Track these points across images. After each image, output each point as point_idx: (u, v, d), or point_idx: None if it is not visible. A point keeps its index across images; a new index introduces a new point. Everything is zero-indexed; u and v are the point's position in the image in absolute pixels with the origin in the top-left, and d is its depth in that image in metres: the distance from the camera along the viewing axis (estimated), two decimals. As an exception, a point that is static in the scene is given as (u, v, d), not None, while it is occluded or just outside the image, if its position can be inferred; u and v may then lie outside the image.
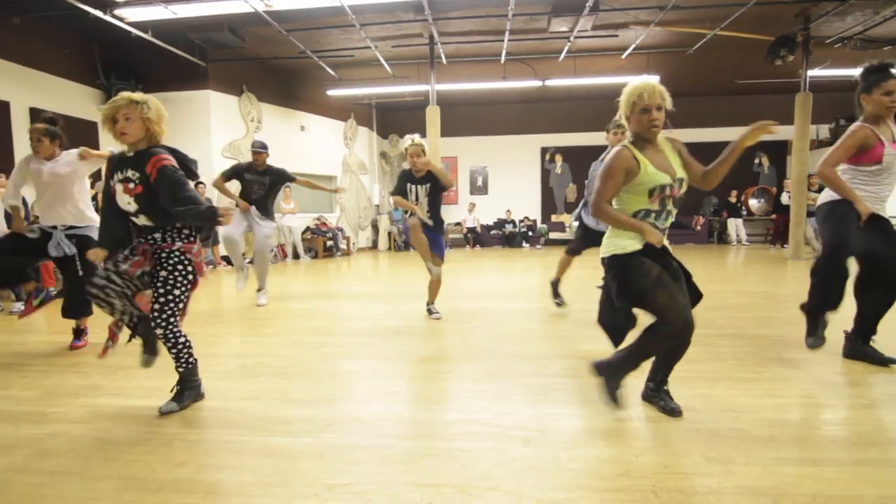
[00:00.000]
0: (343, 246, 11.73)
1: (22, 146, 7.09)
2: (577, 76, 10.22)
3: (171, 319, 2.23)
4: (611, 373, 2.11)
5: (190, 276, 2.28)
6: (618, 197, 2.06)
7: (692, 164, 2.11)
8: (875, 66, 2.65)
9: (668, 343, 2.02)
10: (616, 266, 2.04)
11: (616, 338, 2.17)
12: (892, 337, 2.91)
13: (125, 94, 2.19)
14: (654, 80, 2.05)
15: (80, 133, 8.10)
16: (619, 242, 2.03)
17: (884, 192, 2.71)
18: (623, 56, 9.42)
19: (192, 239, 2.33)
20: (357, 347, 3.46)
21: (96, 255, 2.32)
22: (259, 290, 5.12)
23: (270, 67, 10.22)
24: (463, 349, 3.35)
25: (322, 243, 11.11)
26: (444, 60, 9.55)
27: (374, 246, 13.78)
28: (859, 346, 2.85)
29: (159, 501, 1.59)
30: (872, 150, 2.63)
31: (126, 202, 2.24)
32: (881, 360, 2.74)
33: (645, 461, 1.77)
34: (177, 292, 2.23)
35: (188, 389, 2.36)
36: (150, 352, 2.47)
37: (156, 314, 2.21)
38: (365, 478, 1.69)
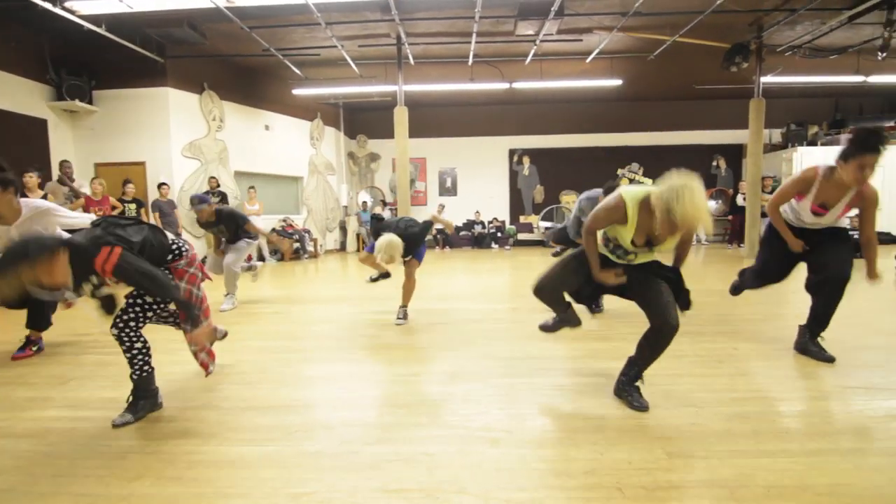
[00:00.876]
0: (310, 248, 11.53)
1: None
2: (544, 79, 10.36)
3: (131, 324, 2.19)
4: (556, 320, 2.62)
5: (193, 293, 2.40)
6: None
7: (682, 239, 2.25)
8: (863, 135, 2.53)
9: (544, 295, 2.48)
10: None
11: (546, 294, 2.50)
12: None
13: None
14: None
15: (28, 131, 7.69)
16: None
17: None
18: (587, 60, 9.61)
19: (176, 257, 2.38)
20: (323, 352, 3.40)
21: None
22: (226, 294, 5.05)
23: (233, 65, 9.95)
24: (431, 351, 3.34)
25: (288, 245, 10.89)
26: (411, 61, 9.51)
27: (343, 248, 13.61)
28: (806, 342, 3.01)
29: (112, 518, 1.51)
30: (801, 197, 2.83)
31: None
32: (823, 358, 2.89)
33: (610, 458, 1.80)
34: (147, 299, 2.22)
35: (144, 399, 2.26)
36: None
37: (119, 314, 2.19)
38: (329, 486, 1.66)
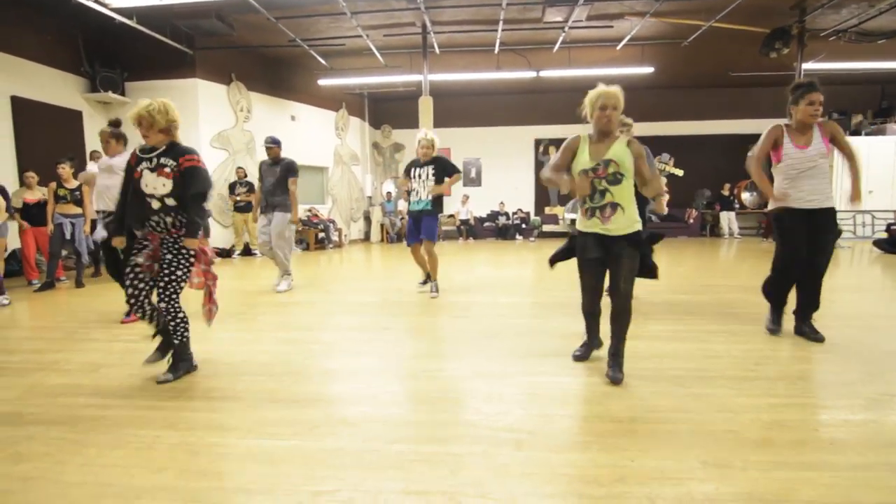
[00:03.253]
0: (335, 238, 11.62)
1: (2, 135, 6.91)
2: (572, 67, 10.12)
3: (174, 296, 2.60)
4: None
5: (192, 260, 2.66)
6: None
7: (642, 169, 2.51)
8: (799, 82, 3.13)
9: (582, 307, 2.77)
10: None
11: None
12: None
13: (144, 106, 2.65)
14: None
15: (64, 122, 7.91)
16: (578, 217, 2.64)
17: (804, 190, 3.10)
18: (618, 47, 9.33)
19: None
20: (346, 344, 3.39)
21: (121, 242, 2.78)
22: (282, 275, 5.48)
23: (260, 56, 10.02)
24: (453, 346, 3.30)
25: (314, 235, 11.00)
26: (436, 50, 9.41)
27: (367, 238, 13.67)
28: (798, 324, 3.30)
29: (136, 511, 1.52)
30: (779, 149, 3.16)
31: (162, 184, 2.58)
32: (816, 339, 3.16)
33: (640, 466, 1.72)
34: (179, 273, 2.60)
35: (182, 361, 2.68)
36: (161, 352, 2.74)
37: (160, 291, 2.57)
38: (351, 485, 1.63)
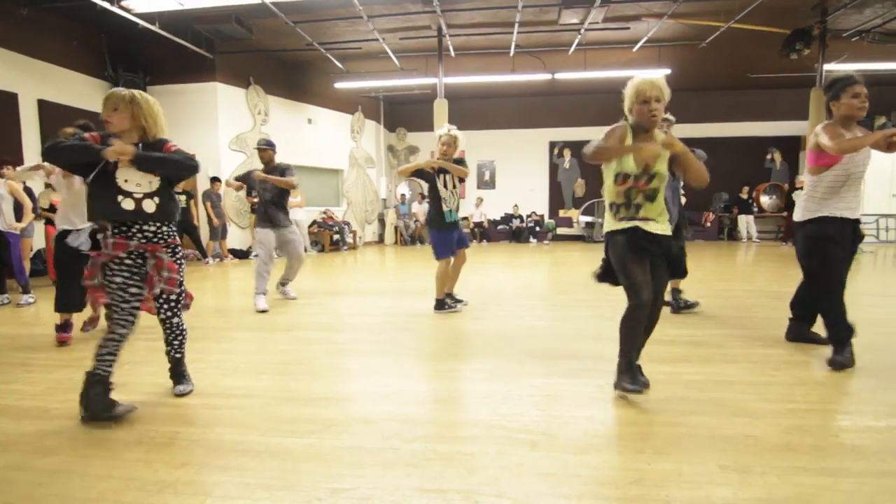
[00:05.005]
0: (349, 240, 11.71)
1: (30, 137, 7.11)
2: (587, 69, 10.08)
3: (180, 300, 2.44)
4: (620, 368, 2.32)
5: (183, 263, 2.46)
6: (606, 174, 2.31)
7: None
8: (839, 76, 2.77)
9: (627, 319, 2.26)
10: (607, 241, 2.36)
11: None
12: None
13: (119, 91, 2.26)
14: (657, 74, 2.26)
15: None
16: (607, 222, 2.37)
17: (849, 198, 2.79)
18: (634, 49, 9.27)
19: (173, 232, 2.47)
20: (361, 345, 3.42)
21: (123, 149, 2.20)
22: (284, 283, 5.17)
23: (278, 60, 10.16)
24: (469, 348, 3.31)
25: (328, 237, 11.09)
26: (452, 53, 9.45)
27: (381, 240, 13.75)
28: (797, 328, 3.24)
29: (160, 503, 1.56)
30: (823, 153, 2.74)
31: (148, 181, 2.25)
32: (822, 341, 3.04)
33: (658, 468, 1.71)
34: (182, 280, 2.42)
35: (186, 370, 2.57)
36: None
37: (172, 306, 2.40)
38: (369, 482, 1.65)
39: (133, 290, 2.26)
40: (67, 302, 3.45)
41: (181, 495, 1.60)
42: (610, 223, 2.33)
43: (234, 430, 2.07)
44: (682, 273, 3.07)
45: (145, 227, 2.25)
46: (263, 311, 4.45)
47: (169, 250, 2.33)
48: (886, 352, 3.03)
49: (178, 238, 2.42)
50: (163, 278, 2.28)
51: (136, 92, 2.29)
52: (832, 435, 1.99)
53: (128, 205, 2.20)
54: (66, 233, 3.44)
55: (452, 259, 4.28)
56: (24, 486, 1.67)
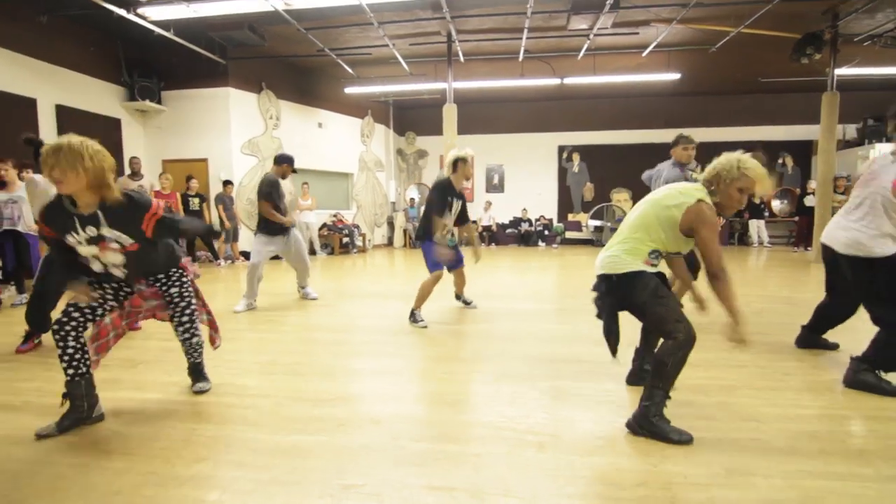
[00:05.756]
0: (359, 243, 11.79)
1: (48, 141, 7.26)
2: (596, 74, 10.10)
3: (196, 323, 2.50)
4: (652, 414, 1.98)
5: (190, 286, 2.47)
6: (659, 233, 2.06)
7: None
8: None
9: (683, 355, 1.98)
10: (622, 281, 2.09)
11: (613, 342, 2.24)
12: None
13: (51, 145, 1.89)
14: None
15: (104, 129, 8.27)
16: (634, 260, 2.10)
17: None
18: (643, 54, 9.27)
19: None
20: (371, 346, 3.47)
21: (84, 293, 2.14)
22: (304, 286, 5.34)
23: (289, 65, 10.29)
24: (477, 350, 3.34)
25: (338, 240, 11.18)
26: (461, 58, 9.51)
27: (390, 243, 13.82)
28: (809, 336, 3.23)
29: (179, 496, 1.61)
30: None
31: (111, 257, 2.11)
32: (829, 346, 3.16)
33: (663, 470, 1.74)
34: (192, 300, 2.47)
35: (201, 370, 2.63)
36: (60, 425, 2.11)
37: (187, 328, 2.45)
38: (378, 479, 1.70)
39: (110, 303, 2.28)
40: (40, 320, 3.30)
41: (199, 489, 1.65)
42: (639, 264, 2.07)
43: (247, 427, 2.12)
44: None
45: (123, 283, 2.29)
46: (238, 312, 4.64)
47: (151, 280, 2.33)
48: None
49: (180, 263, 2.43)
50: (146, 309, 2.38)
51: (86, 143, 1.91)
52: (840, 440, 2.00)
53: (97, 266, 2.15)
54: None
55: (442, 274, 4.12)
56: (48, 478, 1.73)
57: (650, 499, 1.57)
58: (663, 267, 2.19)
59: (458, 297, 4.71)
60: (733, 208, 2.01)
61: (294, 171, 5.02)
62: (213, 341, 2.66)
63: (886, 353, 2.49)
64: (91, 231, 2.01)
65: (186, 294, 2.43)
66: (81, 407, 2.13)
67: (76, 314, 2.12)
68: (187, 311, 2.44)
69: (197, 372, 2.60)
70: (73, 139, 1.89)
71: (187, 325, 2.45)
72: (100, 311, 2.23)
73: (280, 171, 4.88)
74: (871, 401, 2.41)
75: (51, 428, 2.07)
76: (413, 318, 4.07)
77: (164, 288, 2.37)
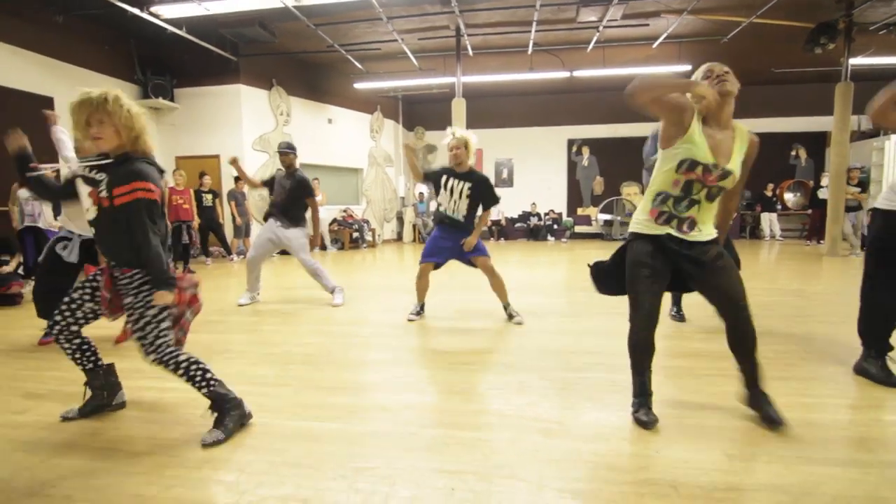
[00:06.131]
0: (368, 238, 11.89)
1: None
2: (606, 67, 10.04)
3: (161, 345, 1.95)
4: (634, 390, 2.13)
5: (173, 309, 2.01)
6: (657, 169, 1.98)
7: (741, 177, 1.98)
8: None
9: (630, 336, 2.06)
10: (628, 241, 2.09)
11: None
12: None
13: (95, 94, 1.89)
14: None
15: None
16: (639, 220, 2.05)
17: None
18: (654, 45, 9.21)
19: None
20: (382, 338, 3.54)
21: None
22: (331, 291, 4.82)
23: (299, 61, 10.37)
24: (486, 342, 3.40)
25: (348, 235, 11.29)
26: (470, 52, 9.52)
27: (399, 238, 13.91)
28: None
29: (199, 477, 1.69)
30: None
31: (87, 208, 1.95)
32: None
33: (666, 456, 1.78)
34: (152, 312, 1.94)
35: (227, 411, 1.99)
36: (83, 410, 2.18)
37: (141, 346, 1.95)
38: (390, 463, 1.76)
39: (88, 304, 2.04)
40: (50, 310, 3.11)
41: (218, 471, 1.73)
42: (641, 223, 2.01)
43: (264, 414, 2.20)
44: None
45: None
46: (243, 305, 4.69)
47: (114, 266, 1.96)
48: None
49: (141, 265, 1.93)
50: (107, 302, 2.01)
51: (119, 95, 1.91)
52: (842, 428, 2.03)
53: (91, 215, 1.95)
54: (61, 239, 3.27)
55: (425, 267, 3.89)
56: (76, 460, 1.82)
57: (652, 482, 1.62)
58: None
59: (505, 307, 3.98)
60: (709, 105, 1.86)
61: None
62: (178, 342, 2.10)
63: None
64: (98, 175, 1.92)
65: (143, 307, 1.93)
66: (101, 395, 2.23)
67: (59, 318, 2.03)
68: (139, 329, 1.94)
69: (213, 407, 2.01)
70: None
71: (141, 347, 1.96)
72: (79, 314, 2.04)
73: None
74: (875, 390, 2.43)
75: (73, 411, 2.19)
76: (414, 311, 4.06)
77: (123, 290, 1.95)
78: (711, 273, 1.96)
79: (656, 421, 2.02)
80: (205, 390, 2.01)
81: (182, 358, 1.99)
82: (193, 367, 2.00)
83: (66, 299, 2.04)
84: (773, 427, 1.94)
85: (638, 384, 2.11)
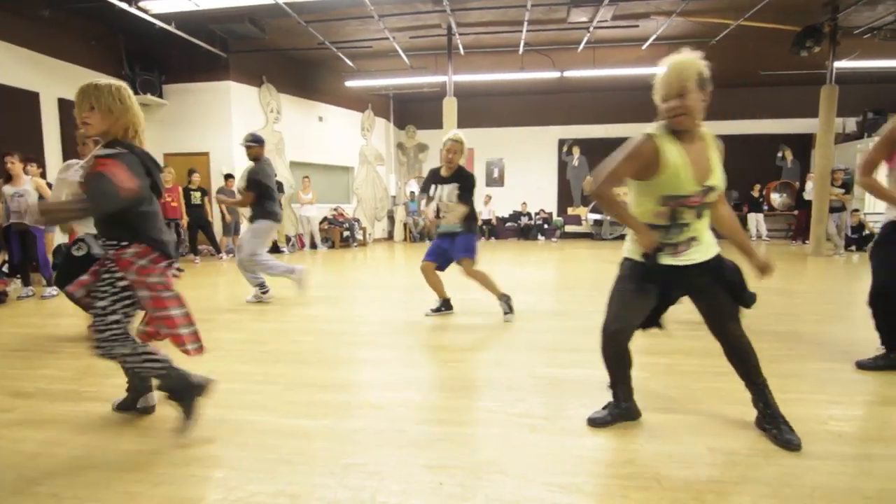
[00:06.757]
0: (359, 236, 11.86)
1: (51, 135, 7.33)
2: (596, 67, 10.12)
3: (103, 336, 1.86)
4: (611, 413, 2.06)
5: (118, 285, 1.88)
6: (633, 194, 1.89)
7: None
8: None
9: (603, 349, 2.00)
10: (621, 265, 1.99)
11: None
12: None
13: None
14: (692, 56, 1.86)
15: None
16: (629, 246, 1.94)
17: None
18: (643, 47, 9.30)
19: (123, 244, 1.89)
20: (371, 336, 3.55)
21: None
22: (258, 285, 4.75)
23: (290, 58, 10.32)
24: (474, 340, 3.42)
25: (339, 233, 11.26)
26: (461, 51, 9.53)
27: (390, 237, 13.89)
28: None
29: (188, 474, 1.70)
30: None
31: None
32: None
33: (650, 450, 1.82)
34: (102, 304, 1.86)
35: (183, 391, 1.96)
36: (125, 405, 2.22)
37: (96, 332, 1.88)
38: (379, 459, 1.78)
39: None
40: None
41: (206, 468, 1.74)
42: (634, 252, 1.89)
43: (253, 411, 2.20)
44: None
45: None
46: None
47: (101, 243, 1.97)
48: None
49: (128, 249, 1.88)
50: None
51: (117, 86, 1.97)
52: (821, 422, 2.08)
53: None
54: (76, 242, 3.23)
55: (426, 265, 4.00)
56: (64, 458, 1.82)
57: (636, 475, 1.65)
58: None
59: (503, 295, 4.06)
60: (680, 121, 1.78)
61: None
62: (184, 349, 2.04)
63: None
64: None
65: (95, 295, 1.90)
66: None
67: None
68: (95, 313, 1.88)
69: (169, 397, 1.98)
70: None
71: (95, 333, 1.87)
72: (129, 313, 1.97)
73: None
74: (854, 386, 2.49)
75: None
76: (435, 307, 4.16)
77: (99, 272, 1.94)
78: (705, 297, 1.93)
79: (609, 422, 2.02)
80: (158, 379, 1.96)
81: (128, 351, 1.89)
82: (141, 360, 1.92)
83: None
84: (791, 448, 1.81)
85: (621, 391, 2.05)
